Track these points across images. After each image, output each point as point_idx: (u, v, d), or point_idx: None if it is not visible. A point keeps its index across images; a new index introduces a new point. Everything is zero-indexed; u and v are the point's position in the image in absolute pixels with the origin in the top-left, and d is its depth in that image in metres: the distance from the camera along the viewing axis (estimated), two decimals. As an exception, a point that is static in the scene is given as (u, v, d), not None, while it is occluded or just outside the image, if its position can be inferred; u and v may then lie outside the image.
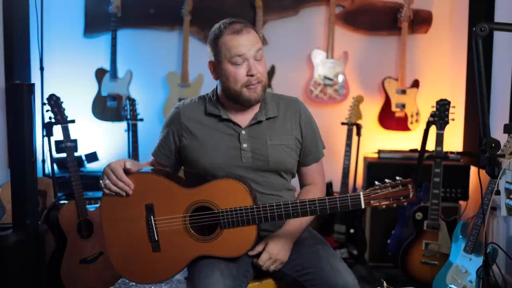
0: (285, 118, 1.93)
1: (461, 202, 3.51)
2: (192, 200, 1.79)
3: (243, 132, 1.88)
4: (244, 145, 1.87)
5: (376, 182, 1.75)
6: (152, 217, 1.80)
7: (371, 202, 1.73)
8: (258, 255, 1.86)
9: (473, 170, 3.49)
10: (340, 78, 3.92)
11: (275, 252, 1.83)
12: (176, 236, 1.80)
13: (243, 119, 1.90)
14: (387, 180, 1.75)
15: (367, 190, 1.74)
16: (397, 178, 1.75)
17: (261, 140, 1.89)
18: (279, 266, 1.85)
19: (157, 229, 1.80)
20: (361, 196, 1.72)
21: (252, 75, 1.80)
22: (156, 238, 1.80)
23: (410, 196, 1.74)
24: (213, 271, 1.72)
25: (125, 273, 1.85)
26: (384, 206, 1.73)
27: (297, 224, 1.90)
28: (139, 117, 3.55)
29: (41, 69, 3.41)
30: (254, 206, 1.76)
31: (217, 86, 1.93)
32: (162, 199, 1.81)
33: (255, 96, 1.83)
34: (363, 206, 1.72)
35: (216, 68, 1.86)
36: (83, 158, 3.76)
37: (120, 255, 1.84)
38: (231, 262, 1.80)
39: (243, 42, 1.79)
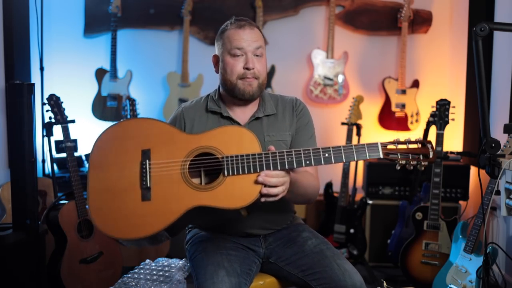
0: (284, 116, 1.98)
1: (461, 202, 3.51)
2: (195, 146, 1.66)
3: None
4: None
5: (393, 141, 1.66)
6: (147, 161, 1.63)
7: (390, 155, 1.62)
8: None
9: (473, 170, 3.49)
10: (340, 78, 3.92)
11: (288, 180, 1.67)
12: (172, 183, 1.61)
13: (243, 116, 1.95)
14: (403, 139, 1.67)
15: (383, 142, 1.64)
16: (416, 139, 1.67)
17: (259, 136, 1.90)
18: (281, 192, 1.64)
19: (151, 174, 1.62)
20: (379, 145, 1.63)
21: (248, 69, 1.85)
22: (148, 185, 1.62)
23: (430, 156, 1.62)
24: (218, 270, 1.73)
25: (105, 227, 1.61)
26: (402, 162, 1.61)
27: (303, 183, 1.82)
28: (139, 117, 3.55)
29: (41, 69, 3.41)
30: (263, 153, 1.62)
31: (219, 84, 1.97)
32: (161, 144, 1.65)
33: (250, 89, 1.87)
34: (381, 156, 1.62)
35: (218, 61, 1.92)
36: (83, 158, 3.76)
37: (101, 206, 1.62)
38: (235, 261, 1.81)
39: (245, 37, 1.86)
